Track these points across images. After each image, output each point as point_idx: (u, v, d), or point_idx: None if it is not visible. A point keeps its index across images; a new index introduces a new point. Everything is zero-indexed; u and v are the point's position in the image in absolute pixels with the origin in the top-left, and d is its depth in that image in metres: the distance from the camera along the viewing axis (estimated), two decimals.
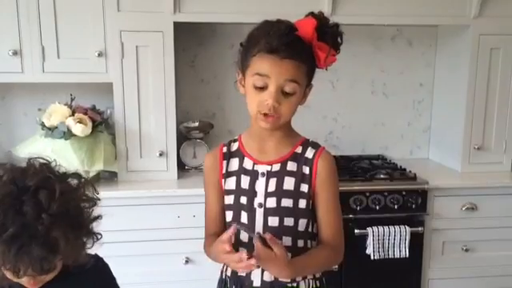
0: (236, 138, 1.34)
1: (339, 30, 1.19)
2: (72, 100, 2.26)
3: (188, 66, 2.59)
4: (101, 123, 2.27)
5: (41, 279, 0.98)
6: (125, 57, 2.19)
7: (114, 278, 1.17)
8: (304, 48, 1.16)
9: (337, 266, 2.10)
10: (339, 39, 1.19)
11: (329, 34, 1.17)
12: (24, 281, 0.97)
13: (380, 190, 2.27)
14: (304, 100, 1.25)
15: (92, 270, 1.05)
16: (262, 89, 1.17)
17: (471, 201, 2.36)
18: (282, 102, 1.17)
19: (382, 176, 2.37)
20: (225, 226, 1.32)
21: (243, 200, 1.26)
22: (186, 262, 2.21)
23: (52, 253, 0.91)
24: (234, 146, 1.32)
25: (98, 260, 1.11)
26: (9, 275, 0.95)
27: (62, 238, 0.91)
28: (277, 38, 1.14)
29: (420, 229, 2.27)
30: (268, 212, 1.24)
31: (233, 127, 2.61)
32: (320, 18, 1.17)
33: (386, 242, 2.22)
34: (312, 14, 1.19)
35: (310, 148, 1.27)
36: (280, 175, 1.25)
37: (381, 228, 2.21)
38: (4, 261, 0.90)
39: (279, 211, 1.24)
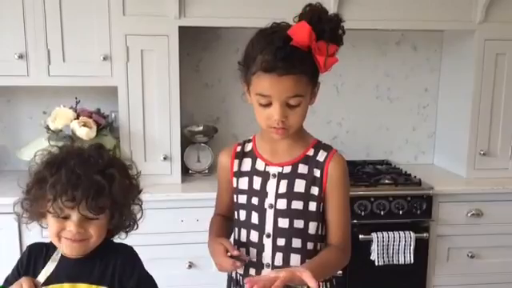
0: (250, 138, 1.35)
1: (338, 21, 1.15)
2: (77, 103, 2.27)
3: (193, 70, 2.59)
4: (105, 127, 2.27)
5: (86, 233, 1.06)
6: (130, 60, 2.20)
7: (142, 265, 1.24)
8: (302, 57, 1.13)
9: (341, 272, 2.08)
10: (340, 31, 1.15)
11: (326, 31, 1.13)
12: (72, 225, 1.03)
13: (385, 195, 2.26)
14: (313, 100, 1.24)
15: (122, 252, 1.20)
16: (267, 105, 1.17)
17: (477, 207, 2.34)
18: (288, 114, 1.17)
19: (386, 181, 2.36)
20: (232, 213, 1.35)
21: (254, 200, 1.28)
22: (190, 266, 2.21)
23: (107, 184, 1.04)
24: (248, 147, 1.33)
25: (128, 246, 1.22)
26: (54, 220, 1.04)
27: (117, 176, 1.06)
28: (272, 55, 1.12)
29: (425, 235, 2.25)
30: (278, 213, 1.25)
31: (237, 131, 2.60)
32: (317, 13, 1.13)
33: (390, 247, 2.20)
34: (310, 5, 1.15)
35: (321, 151, 1.27)
36: (291, 177, 1.25)
37: (385, 234, 2.20)
38: (63, 189, 1.01)
39: (289, 213, 1.25)
